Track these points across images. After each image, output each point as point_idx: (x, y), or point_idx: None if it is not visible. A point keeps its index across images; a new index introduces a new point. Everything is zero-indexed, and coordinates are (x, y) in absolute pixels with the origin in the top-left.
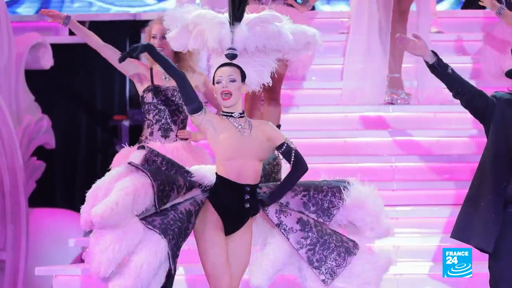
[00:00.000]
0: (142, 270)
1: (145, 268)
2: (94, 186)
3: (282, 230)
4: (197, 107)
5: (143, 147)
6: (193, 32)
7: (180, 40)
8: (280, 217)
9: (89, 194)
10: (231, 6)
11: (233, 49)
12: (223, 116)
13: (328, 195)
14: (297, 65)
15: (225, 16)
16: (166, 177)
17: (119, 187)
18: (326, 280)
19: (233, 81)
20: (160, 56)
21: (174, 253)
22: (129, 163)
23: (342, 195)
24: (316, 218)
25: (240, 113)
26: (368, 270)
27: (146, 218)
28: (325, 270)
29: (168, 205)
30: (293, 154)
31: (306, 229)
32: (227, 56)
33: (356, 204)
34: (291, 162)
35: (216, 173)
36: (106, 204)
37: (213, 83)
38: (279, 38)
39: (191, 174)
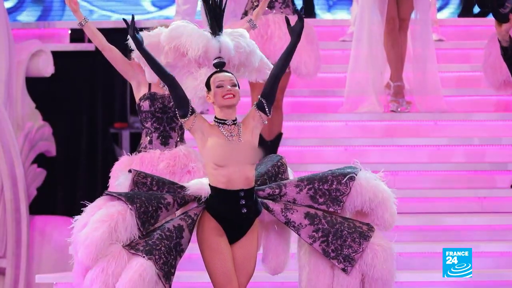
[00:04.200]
0: None
1: None
2: (75, 228)
3: (292, 228)
4: (186, 112)
5: (129, 171)
6: (167, 47)
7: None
8: (286, 215)
9: (74, 242)
10: (211, 17)
11: (221, 57)
12: (215, 123)
13: (334, 183)
14: (303, 75)
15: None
16: (148, 198)
17: (93, 220)
18: (346, 268)
19: (234, 85)
20: (148, 55)
21: (165, 273)
22: (104, 193)
23: (348, 181)
24: (326, 209)
25: (233, 120)
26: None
27: (130, 244)
28: (342, 259)
29: (157, 225)
30: (264, 102)
31: (315, 222)
32: (216, 65)
33: (363, 190)
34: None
35: (209, 184)
36: (83, 246)
37: (209, 89)
38: (253, 56)
39: (186, 189)
